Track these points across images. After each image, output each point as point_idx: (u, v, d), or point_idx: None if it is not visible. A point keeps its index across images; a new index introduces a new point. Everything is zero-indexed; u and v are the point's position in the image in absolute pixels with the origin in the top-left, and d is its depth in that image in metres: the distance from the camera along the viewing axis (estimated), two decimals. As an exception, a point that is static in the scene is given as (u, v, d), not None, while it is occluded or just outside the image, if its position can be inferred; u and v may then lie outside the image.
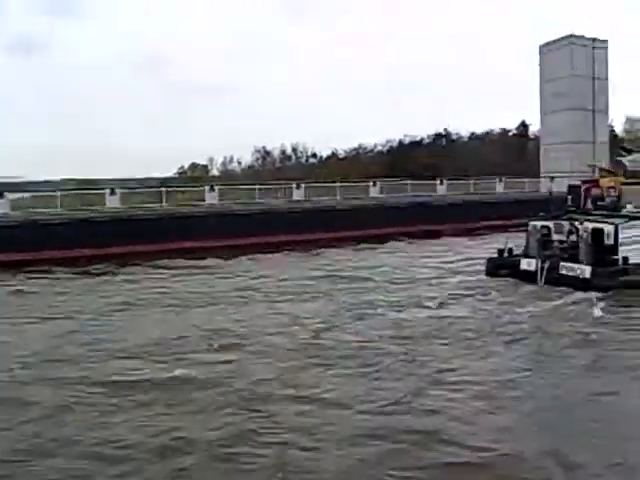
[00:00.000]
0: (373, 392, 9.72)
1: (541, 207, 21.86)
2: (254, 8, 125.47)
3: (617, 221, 19.12)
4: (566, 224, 20.17)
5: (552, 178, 48.25)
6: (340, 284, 19.82)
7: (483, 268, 20.95)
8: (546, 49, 54.41)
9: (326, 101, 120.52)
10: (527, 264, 19.18)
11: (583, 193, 22.27)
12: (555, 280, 18.08)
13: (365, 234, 31.57)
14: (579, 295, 16.60)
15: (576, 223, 19.68)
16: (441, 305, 16.26)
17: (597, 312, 15.00)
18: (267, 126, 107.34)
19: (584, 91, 52.09)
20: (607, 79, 53.85)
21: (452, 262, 24.44)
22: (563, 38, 52.85)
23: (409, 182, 41.56)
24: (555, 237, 20.32)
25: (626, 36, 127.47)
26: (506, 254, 20.90)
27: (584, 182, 23.76)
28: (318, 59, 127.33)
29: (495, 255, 21.04)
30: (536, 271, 18.59)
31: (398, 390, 9.73)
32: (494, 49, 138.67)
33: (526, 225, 21.29)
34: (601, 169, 24.61)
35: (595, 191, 22.22)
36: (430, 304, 16.26)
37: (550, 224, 20.66)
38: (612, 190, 21.84)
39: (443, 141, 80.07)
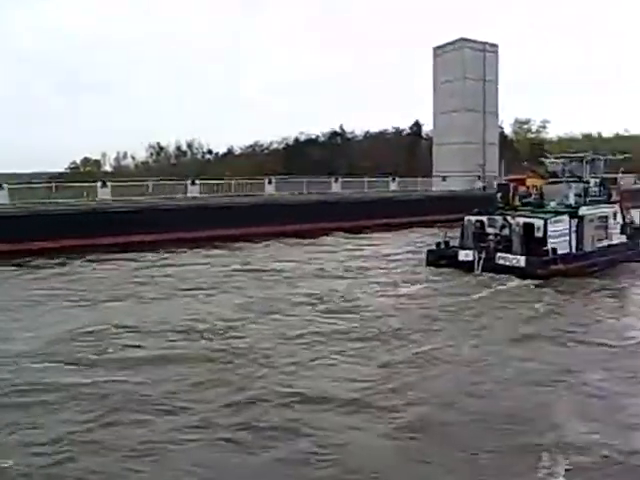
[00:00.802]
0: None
1: (432, 205, 23.19)
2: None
3: (546, 216, 21.31)
4: (499, 219, 22.07)
5: (444, 177, 50.05)
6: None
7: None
8: (439, 51, 56.23)
9: (222, 97, 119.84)
10: (465, 255, 21.31)
11: (512, 191, 24.42)
12: (492, 269, 20.11)
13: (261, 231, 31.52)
14: (516, 281, 18.85)
15: (508, 218, 21.75)
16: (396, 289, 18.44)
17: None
18: (160, 122, 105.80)
19: (475, 93, 54.24)
20: (497, 82, 56.40)
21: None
22: (455, 41, 54.88)
23: (304, 179, 41.77)
24: (489, 230, 22.20)
25: (514, 41, 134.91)
26: (443, 246, 23.11)
27: (511, 180, 26.37)
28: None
29: (434, 247, 23.23)
30: (473, 261, 20.74)
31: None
32: (390, 49, 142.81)
33: (419, 224, 22.61)
34: (528, 169, 27.07)
35: (522, 189, 24.65)
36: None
37: (484, 219, 22.51)
38: (535, 189, 24.42)
39: (338, 139, 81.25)
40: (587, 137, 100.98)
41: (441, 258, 22.40)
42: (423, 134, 77.85)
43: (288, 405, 9.26)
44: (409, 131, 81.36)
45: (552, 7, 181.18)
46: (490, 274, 19.73)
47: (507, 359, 11.53)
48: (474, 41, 55.19)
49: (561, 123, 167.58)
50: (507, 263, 20.11)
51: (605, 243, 23.19)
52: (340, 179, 43.63)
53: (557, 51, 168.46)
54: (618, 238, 24.00)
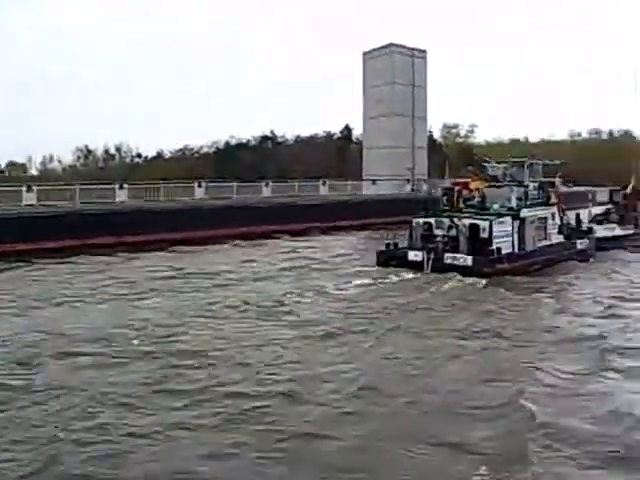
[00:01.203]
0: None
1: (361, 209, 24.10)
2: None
3: (490, 218, 22.73)
4: (446, 220, 23.18)
5: (374, 181, 50.83)
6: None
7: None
8: (369, 56, 57.27)
9: (153, 100, 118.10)
10: (414, 255, 22.42)
11: (456, 194, 25.84)
12: (440, 268, 21.22)
13: (189, 236, 31.29)
14: (464, 279, 20.12)
15: (455, 219, 22.94)
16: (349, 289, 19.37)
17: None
18: (89, 125, 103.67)
19: (404, 98, 55.52)
20: (426, 87, 57.87)
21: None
22: (385, 47, 56.03)
23: (235, 184, 41.68)
24: (436, 232, 23.18)
25: (443, 47, 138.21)
26: (392, 247, 24.21)
27: (456, 184, 27.96)
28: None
29: (384, 248, 24.26)
30: (423, 261, 21.82)
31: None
32: (323, 54, 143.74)
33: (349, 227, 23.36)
34: (472, 173, 28.27)
35: (465, 192, 25.90)
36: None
37: (432, 220, 23.65)
38: (477, 192, 25.66)
39: (269, 143, 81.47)
40: (514, 142, 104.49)
41: (391, 258, 23.43)
42: (353, 138, 78.94)
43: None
44: (340, 135, 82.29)
45: (480, 14, 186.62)
46: (439, 273, 20.86)
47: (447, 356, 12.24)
48: (403, 47, 56.40)
49: (489, 128, 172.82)
50: (455, 262, 21.30)
51: (545, 243, 24.80)
52: (270, 183, 43.73)
53: (486, 57, 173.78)
54: (556, 238, 25.69)
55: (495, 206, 24.26)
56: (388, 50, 55.68)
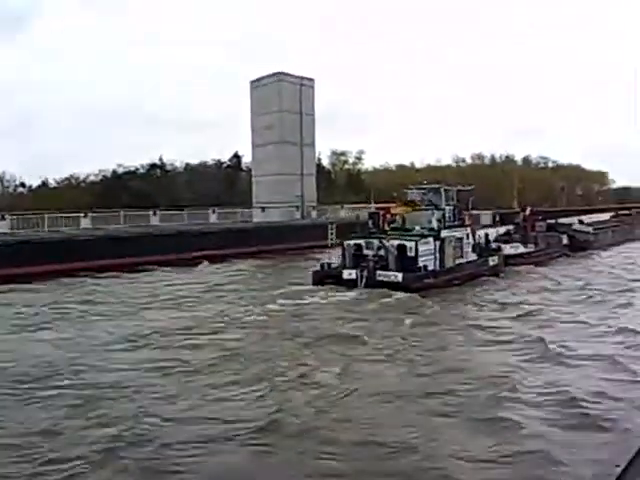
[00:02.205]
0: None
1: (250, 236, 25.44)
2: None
3: (416, 238, 25.43)
4: (375, 241, 25.95)
5: (263, 209, 52.11)
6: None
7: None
8: (256, 84, 58.40)
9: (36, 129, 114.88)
10: (348, 274, 24.87)
11: (381, 218, 28.60)
12: (373, 284, 23.80)
13: (79, 266, 31.18)
14: (396, 294, 22.50)
15: (383, 241, 25.67)
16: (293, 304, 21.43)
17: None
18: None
19: (292, 126, 56.71)
20: (314, 115, 59.42)
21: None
22: (272, 75, 57.18)
23: (122, 212, 41.70)
24: (366, 252, 25.83)
25: (329, 74, 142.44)
26: (326, 267, 26.65)
27: (380, 209, 30.90)
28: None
29: (318, 269, 26.74)
30: (356, 279, 24.34)
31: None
32: (210, 82, 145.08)
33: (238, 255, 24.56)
34: (396, 198, 31.00)
35: (388, 216, 28.68)
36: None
37: (362, 242, 26.35)
38: (398, 216, 28.48)
39: (158, 172, 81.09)
40: (401, 167, 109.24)
41: (326, 277, 25.85)
42: (243, 166, 79.93)
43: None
44: (229, 163, 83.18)
45: (366, 42, 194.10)
46: (372, 289, 23.38)
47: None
48: (291, 75, 57.58)
49: (377, 154, 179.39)
50: (387, 279, 23.88)
51: (461, 260, 27.91)
52: (159, 212, 44.09)
53: (374, 86, 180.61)
54: (471, 256, 28.89)
55: (417, 228, 27.07)
56: (276, 78, 56.78)
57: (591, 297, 23.45)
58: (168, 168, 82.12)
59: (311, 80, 59.76)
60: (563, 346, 15.07)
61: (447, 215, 28.28)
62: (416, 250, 24.86)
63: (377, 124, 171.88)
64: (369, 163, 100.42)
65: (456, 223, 28.67)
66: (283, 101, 56.26)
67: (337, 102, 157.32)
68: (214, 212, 47.94)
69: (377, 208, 32.20)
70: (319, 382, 12.51)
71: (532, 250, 34.74)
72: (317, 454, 9.20)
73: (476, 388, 12.01)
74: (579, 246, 40.44)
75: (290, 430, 9.97)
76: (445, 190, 29.73)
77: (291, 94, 57.17)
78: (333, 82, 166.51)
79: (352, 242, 26.57)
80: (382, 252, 25.36)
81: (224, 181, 74.85)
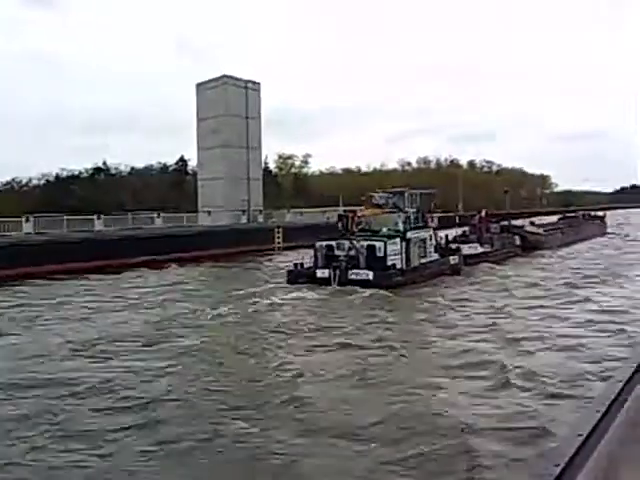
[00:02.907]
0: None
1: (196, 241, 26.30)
2: None
3: (384, 239, 27.18)
4: (346, 242, 27.47)
5: (209, 212, 52.32)
6: None
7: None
8: (202, 88, 58.46)
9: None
10: (322, 273, 26.58)
11: (350, 220, 30.18)
12: (346, 282, 25.45)
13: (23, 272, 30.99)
14: (368, 291, 24.05)
15: (354, 242, 27.25)
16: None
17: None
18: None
19: (238, 129, 56.96)
20: (260, 118, 59.79)
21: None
22: (218, 78, 57.36)
23: (65, 217, 41.31)
24: (338, 253, 27.37)
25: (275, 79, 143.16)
26: (300, 267, 28.42)
27: (348, 212, 32.91)
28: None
29: (292, 269, 28.65)
30: (330, 277, 26.01)
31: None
32: (156, 85, 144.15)
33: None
34: (365, 202, 32.64)
35: (356, 219, 30.43)
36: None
37: (333, 243, 27.98)
38: (364, 218, 30.44)
39: (102, 175, 79.84)
40: (347, 171, 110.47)
41: (300, 276, 27.59)
42: (189, 170, 79.72)
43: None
44: (175, 167, 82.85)
45: (313, 46, 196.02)
46: (344, 287, 25.05)
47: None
48: (237, 78, 57.83)
49: (323, 158, 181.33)
50: (358, 277, 25.61)
51: (425, 260, 29.81)
52: (103, 216, 43.78)
53: (321, 90, 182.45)
54: (433, 255, 30.86)
55: (384, 229, 28.79)
56: (222, 82, 56.90)
57: (536, 285, 26.69)
58: (113, 172, 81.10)
59: (257, 84, 60.02)
60: (516, 332, 17.14)
61: (411, 217, 30.14)
62: (385, 250, 26.66)
63: (324, 129, 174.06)
64: (316, 167, 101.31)
65: (420, 225, 30.55)
66: (229, 104, 56.38)
67: (284, 106, 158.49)
68: (159, 216, 47.63)
69: (347, 211, 34.02)
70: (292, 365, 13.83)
71: (489, 250, 37.03)
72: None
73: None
74: (531, 246, 43.44)
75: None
76: (409, 194, 31.74)
77: (237, 97, 57.33)
78: (281, 86, 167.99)
79: (324, 243, 28.30)
80: (353, 252, 26.91)
81: (170, 185, 74.38)
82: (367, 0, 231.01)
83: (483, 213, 41.80)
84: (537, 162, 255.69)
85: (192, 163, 75.49)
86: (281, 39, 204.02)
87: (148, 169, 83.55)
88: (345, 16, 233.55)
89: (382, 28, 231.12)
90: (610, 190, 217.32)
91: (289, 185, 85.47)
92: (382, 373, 12.98)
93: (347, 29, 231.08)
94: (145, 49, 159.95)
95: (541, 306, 21.55)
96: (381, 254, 26.64)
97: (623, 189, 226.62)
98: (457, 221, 43.78)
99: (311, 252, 28.47)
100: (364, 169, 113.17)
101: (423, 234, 30.24)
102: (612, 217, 75.39)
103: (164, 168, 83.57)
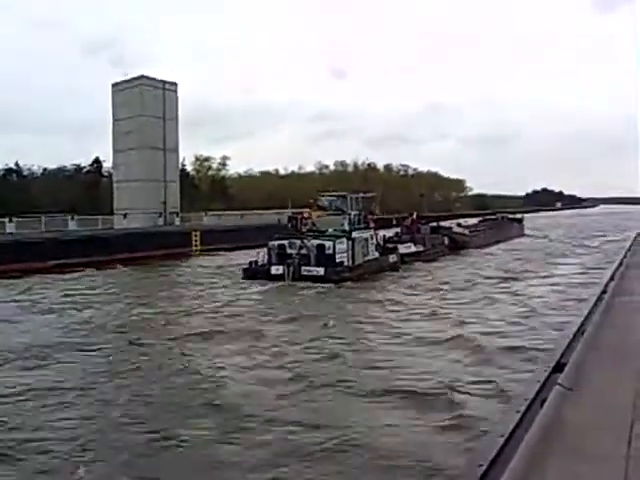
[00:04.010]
0: None
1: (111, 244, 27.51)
2: None
3: (332, 238, 30.24)
4: (297, 241, 30.30)
5: (125, 215, 52.18)
6: None
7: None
8: (118, 88, 57.87)
9: None
10: (276, 269, 29.33)
11: (299, 221, 33.43)
12: (299, 278, 28.39)
13: None
14: (320, 284, 27.25)
15: (305, 240, 30.15)
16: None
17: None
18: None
19: (154, 130, 56.66)
20: (177, 120, 59.62)
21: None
22: (134, 79, 56.97)
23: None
24: (290, 251, 30.18)
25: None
26: (254, 265, 30.98)
27: (296, 214, 36.06)
28: None
29: (247, 266, 31.22)
30: (283, 274, 28.77)
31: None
32: (70, 85, 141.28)
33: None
34: (313, 204, 36.21)
35: (304, 220, 33.60)
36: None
37: (285, 242, 30.71)
38: (310, 219, 33.67)
39: (14, 177, 77.89)
40: (265, 174, 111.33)
41: (256, 273, 30.22)
42: (104, 171, 78.46)
43: None
44: (90, 168, 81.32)
45: (230, 47, 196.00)
46: (297, 282, 27.98)
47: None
48: (154, 79, 57.52)
49: (241, 161, 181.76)
50: (310, 273, 28.60)
51: (368, 257, 32.83)
52: (14, 219, 43.29)
53: (239, 93, 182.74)
54: (374, 254, 33.98)
55: (330, 230, 31.65)
56: (138, 82, 56.54)
57: (464, 279, 30.53)
58: (25, 173, 79.22)
59: (174, 84, 59.87)
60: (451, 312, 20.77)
61: (354, 219, 33.26)
62: (334, 248, 29.68)
63: (242, 130, 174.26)
64: (234, 169, 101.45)
65: (362, 226, 33.65)
66: (145, 105, 56.09)
67: (202, 107, 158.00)
68: (73, 219, 47.15)
69: (295, 213, 37.34)
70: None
71: (422, 249, 40.51)
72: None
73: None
74: (458, 246, 47.31)
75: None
76: (351, 198, 34.94)
77: (154, 98, 57.09)
78: (199, 87, 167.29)
79: (276, 242, 31.03)
80: (304, 251, 29.79)
81: (84, 187, 72.70)
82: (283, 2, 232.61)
83: (414, 215, 45.93)
84: (452, 166, 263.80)
85: (107, 165, 74.40)
86: (197, 38, 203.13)
87: (62, 170, 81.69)
88: (264, 15, 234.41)
89: (302, 25, 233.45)
90: (522, 193, 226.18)
91: (207, 187, 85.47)
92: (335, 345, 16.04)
93: (267, 27, 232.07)
94: (59, 47, 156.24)
95: (469, 299, 24.32)
96: (330, 252, 29.61)
97: (536, 192, 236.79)
98: (394, 223, 47.45)
99: (232, 256, 31.87)
100: (282, 172, 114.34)
101: (365, 234, 33.29)
102: (528, 220, 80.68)
103: (78, 169, 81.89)
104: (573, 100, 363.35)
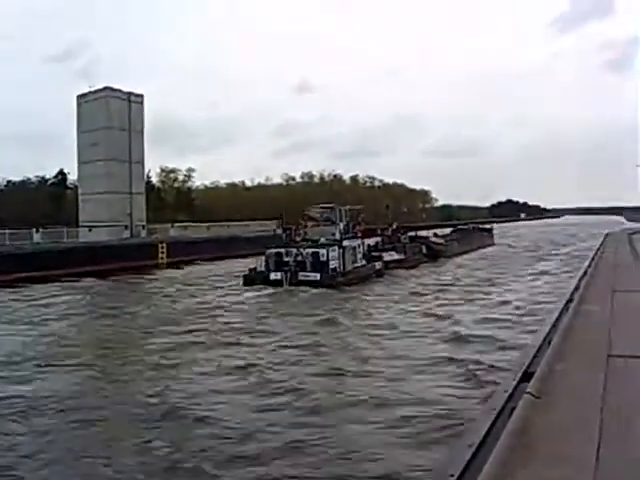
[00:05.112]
0: None
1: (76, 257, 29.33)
2: None
3: (326, 247, 32.68)
4: (294, 250, 32.84)
5: (90, 228, 51.83)
6: None
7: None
8: (83, 100, 57.68)
9: None
10: (275, 275, 31.82)
11: (293, 232, 36.06)
12: (296, 283, 30.88)
13: None
14: (316, 289, 29.85)
15: (300, 249, 32.72)
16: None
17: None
18: None
19: (120, 142, 56.41)
20: (143, 132, 59.58)
21: None
22: (100, 90, 56.69)
23: None
24: (286, 258, 32.60)
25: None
26: (253, 272, 33.34)
27: (290, 225, 38.32)
28: None
29: (247, 272, 33.66)
30: (282, 279, 31.35)
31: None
32: (34, 96, 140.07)
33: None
34: (307, 216, 39.02)
35: (298, 230, 36.45)
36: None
37: (282, 250, 33.23)
38: (304, 229, 36.72)
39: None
40: (231, 186, 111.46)
41: (255, 279, 32.45)
42: (69, 183, 77.70)
43: None
44: (54, 181, 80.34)
45: (196, 59, 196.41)
46: (295, 287, 30.46)
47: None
48: (120, 91, 57.35)
49: (207, 172, 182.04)
50: (306, 278, 30.99)
51: (356, 264, 35.37)
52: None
53: (204, 105, 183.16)
54: (362, 261, 36.67)
55: (322, 239, 34.36)
56: (103, 94, 56.35)
57: (443, 284, 33.48)
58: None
59: (140, 96, 59.79)
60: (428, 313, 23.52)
61: (343, 229, 36.26)
62: (327, 256, 32.04)
63: (208, 144, 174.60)
64: (200, 181, 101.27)
65: (350, 235, 36.49)
66: (111, 117, 55.90)
67: (168, 119, 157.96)
68: (38, 232, 46.61)
69: (289, 225, 39.31)
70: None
71: (403, 257, 43.51)
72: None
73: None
74: (435, 255, 50.12)
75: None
76: (339, 209, 38.00)
77: (119, 110, 56.93)
78: (165, 99, 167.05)
79: (274, 251, 33.45)
80: (300, 258, 32.23)
81: (49, 199, 71.76)
82: (250, 13, 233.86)
83: (394, 226, 50.61)
84: (418, 178, 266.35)
85: (73, 177, 73.66)
86: (163, 52, 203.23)
87: (26, 183, 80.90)
88: (230, 28, 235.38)
89: (269, 38, 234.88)
90: (487, 204, 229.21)
91: (172, 199, 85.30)
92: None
93: (234, 41, 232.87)
94: (23, 57, 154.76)
95: (449, 301, 26.95)
96: (324, 259, 32.00)
97: (500, 203, 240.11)
98: (378, 232, 49.03)
99: (197, 270, 33.14)
100: (248, 183, 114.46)
101: (354, 243, 35.96)
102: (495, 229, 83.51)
103: (43, 182, 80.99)
104: (538, 112, 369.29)
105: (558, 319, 8.82)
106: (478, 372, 13.79)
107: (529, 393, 4.79)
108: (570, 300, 10.62)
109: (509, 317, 21.88)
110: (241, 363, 15.41)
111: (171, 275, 41.51)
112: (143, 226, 57.51)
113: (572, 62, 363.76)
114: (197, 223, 66.42)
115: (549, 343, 6.93)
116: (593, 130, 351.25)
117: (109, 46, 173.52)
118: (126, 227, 54.97)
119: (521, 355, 7.22)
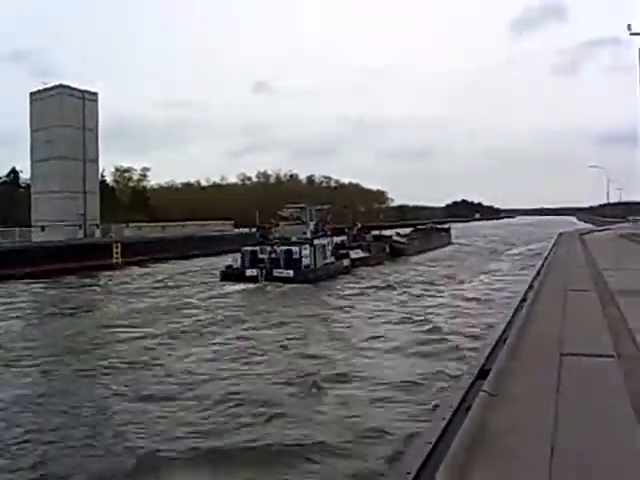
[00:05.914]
0: None
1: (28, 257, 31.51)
2: None
3: (297, 245, 34.75)
4: (268, 247, 34.92)
5: (43, 227, 51.22)
6: None
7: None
8: (36, 97, 56.88)
9: None
10: (250, 272, 33.80)
11: (267, 231, 37.69)
12: (271, 279, 32.76)
13: None
14: (290, 284, 31.91)
15: (274, 246, 34.73)
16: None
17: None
18: None
19: (74, 140, 55.89)
20: (97, 130, 58.99)
21: None
22: (53, 87, 56.05)
23: None
24: (261, 256, 34.78)
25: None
26: (230, 269, 35.43)
27: (265, 224, 39.66)
28: None
29: (224, 269, 35.74)
30: (257, 275, 33.37)
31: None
32: None
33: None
34: (279, 216, 41.03)
35: (272, 229, 38.31)
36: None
37: (257, 248, 35.38)
38: (277, 228, 38.42)
39: None
40: (187, 185, 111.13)
41: (231, 275, 34.50)
42: (21, 182, 76.61)
43: None
44: (6, 179, 79.29)
45: (152, 56, 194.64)
46: (270, 282, 32.37)
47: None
48: (74, 88, 56.80)
49: (163, 172, 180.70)
50: (281, 275, 32.98)
51: (326, 261, 37.57)
52: None
53: (160, 102, 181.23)
54: (331, 259, 38.78)
55: (293, 237, 36.06)
56: (57, 91, 55.78)
57: (406, 280, 35.48)
58: None
59: (94, 94, 59.27)
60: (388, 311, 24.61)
61: (313, 228, 37.92)
62: (300, 253, 34.16)
63: (164, 143, 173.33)
64: (155, 180, 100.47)
65: (320, 234, 38.21)
66: (64, 115, 55.35)
67: (123, 117, 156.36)
68: (-13, 231, 45.29)
69: (262, 222, 40.59)
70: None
71: (368, 255, 45.88)
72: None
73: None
74: (398, 253, 53.07)
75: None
76: (309, 209, 39.95)
77: (73, 108, 56.40)
78: (120, 97, 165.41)
79: (249, 248, 35.58)
80: (274, 255, 34.30)
81: (0, 198, 71.32)
82: (207, 13, 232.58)
83: (359, 225, 54.39)
84: (373, 178, 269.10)
85: (25, 176, 72.71)
86: (119, 51, 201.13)
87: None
88: (188, 29, 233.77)
89: (226, 40, 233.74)
90: (442, 204, 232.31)
91: (127, 199, 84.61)
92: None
93: (192, 41, 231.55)
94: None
95: (410, 295, 28.99)
96: (297, 256, 34.09)
97: (455, 203, 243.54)
98: (346, 231, 51.72)
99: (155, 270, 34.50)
100: (204, 183, 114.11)
101: (324, 241, 38.02)
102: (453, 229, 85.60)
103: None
104: (493, 116, 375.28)
105: (513, 318, 9.08)
106: (423, 346, 17.37)
107: (485, 391, 4.90)
108: (524, 299, 10.94)
109: (465, 307, 24.49)
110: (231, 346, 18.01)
111: (129, 274, 41.73)
112: (97, 225, 56.92)
113: (525, 66, 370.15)
114: (152, 223, 66.08)
115: (504, 341, 7.15)
116: (546, 134, 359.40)
117: (65, 46, 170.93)
118: (80, 227, 54.27)
119: (477, 354, 7.42)
